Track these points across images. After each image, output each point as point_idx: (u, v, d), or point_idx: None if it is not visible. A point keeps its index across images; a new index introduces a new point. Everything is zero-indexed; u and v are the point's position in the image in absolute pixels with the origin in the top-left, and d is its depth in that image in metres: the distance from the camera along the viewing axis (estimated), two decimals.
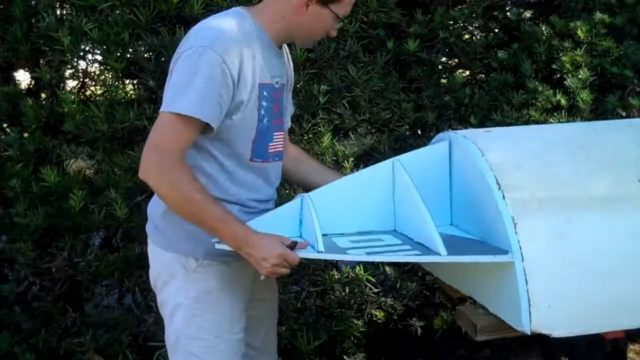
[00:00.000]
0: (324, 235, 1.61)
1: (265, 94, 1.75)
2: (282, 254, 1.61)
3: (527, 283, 1.52)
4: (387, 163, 1.82)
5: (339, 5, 1.76)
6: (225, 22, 1.72)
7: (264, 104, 1.76)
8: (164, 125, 1.65)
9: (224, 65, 1.63)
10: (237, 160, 1.76)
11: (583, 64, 2.92)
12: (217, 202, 1.67)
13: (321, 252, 1.58)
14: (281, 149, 1.87)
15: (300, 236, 1.73)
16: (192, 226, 1.71)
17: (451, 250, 1.56)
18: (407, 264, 2.86)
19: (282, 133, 1.87)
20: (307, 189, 1.92)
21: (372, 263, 2.79)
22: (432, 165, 1.84)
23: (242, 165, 1.78)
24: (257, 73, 1.73)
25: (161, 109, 1.66)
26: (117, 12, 2.62)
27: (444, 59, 3.12)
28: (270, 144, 1.81)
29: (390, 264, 2.83)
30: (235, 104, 1.69)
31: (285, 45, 1.90)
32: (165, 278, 1.82)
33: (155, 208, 1.85)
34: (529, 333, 1.54)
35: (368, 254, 1.63)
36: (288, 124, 2.00)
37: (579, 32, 2.94)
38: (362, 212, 1.81)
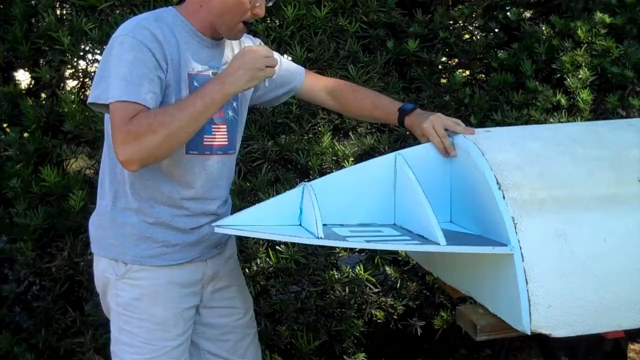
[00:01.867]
0: (324, 225, 1.61)
1: (196, 84, 1.68)
2: (261, 54, 1.63)
3: (527, 283, 1.52)
4: (390, 157, 1.82)
5: None
6: (144, 16, 1.68)
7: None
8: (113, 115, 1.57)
9: (144, 48, 1.58)
10: None
11: (583, 64, 2.92)
12: (176, 106, 1.59)
13: (320, 238, 1.57)
14: (224, 142, 1.78)
15: (300, 224, 1.73)
16: (121, 229, 1.71)
17: (450, 242, 1.56)
18: (407, 263, 2.86)
19: (225, 125, 1.78)
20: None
21: (372, 262, 2.79)
22: (433, 161, 1.84)
23: (177, 159, 1.70)
24: (183, 63, 1.67)
25: (91, 100, 1.62)
26: (117, 12, 2.62)
27: (444, 58, 3.12)
28: (205, 136, 1.72)
29: (390, 263, 2.83)
30: (164, 91, 1.64)
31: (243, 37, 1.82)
32: (102, 285, 1.79)
33: (94, 214, 1.81)
34: (529, 333, 1.54)
35: (367, 241, 1.63)
36: (301, 76, 1.98)
37: (579, 32, 2.95)
38: (363, 204, 1.80)
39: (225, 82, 1.60)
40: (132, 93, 1.55)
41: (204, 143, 1.73)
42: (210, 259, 1.85)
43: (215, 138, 1.75)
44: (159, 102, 1.61)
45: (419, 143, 1.89)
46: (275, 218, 1.70)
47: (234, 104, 1.80)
